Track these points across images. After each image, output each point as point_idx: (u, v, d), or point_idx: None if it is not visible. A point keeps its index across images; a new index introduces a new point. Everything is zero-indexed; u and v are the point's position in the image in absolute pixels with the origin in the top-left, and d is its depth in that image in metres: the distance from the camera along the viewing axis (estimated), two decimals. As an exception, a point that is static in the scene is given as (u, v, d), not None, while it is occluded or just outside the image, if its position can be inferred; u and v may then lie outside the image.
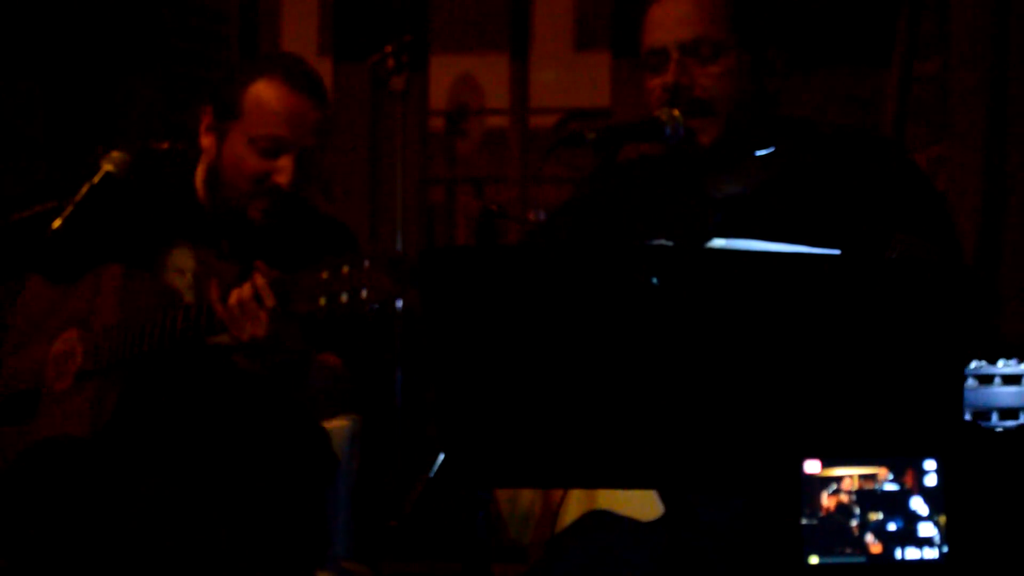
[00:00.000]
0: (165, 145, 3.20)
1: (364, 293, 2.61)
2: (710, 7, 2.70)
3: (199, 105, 3.18)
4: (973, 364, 2.16)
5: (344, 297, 2.62)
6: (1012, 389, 2.18)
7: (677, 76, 2.69)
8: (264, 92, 3.07)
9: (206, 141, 3.14)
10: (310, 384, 2.98)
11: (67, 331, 3.10)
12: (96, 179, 3.12)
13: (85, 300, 3.11)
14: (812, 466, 2.02)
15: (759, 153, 2.73)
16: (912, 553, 2.00)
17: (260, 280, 2.79)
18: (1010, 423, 2.20)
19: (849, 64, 5.06)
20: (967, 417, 2.11)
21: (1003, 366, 2.21)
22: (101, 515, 2.94)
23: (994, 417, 2.20)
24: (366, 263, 2.60)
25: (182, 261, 3.12)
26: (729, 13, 2.70)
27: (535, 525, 2.79)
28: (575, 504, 2.68)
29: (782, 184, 2.74)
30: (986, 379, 2.20)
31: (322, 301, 2.64)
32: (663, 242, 2.55)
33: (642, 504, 2.56)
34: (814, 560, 2.00)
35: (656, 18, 2.74)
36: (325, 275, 2.64)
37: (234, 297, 2.82)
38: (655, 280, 2.02)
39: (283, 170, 3.05)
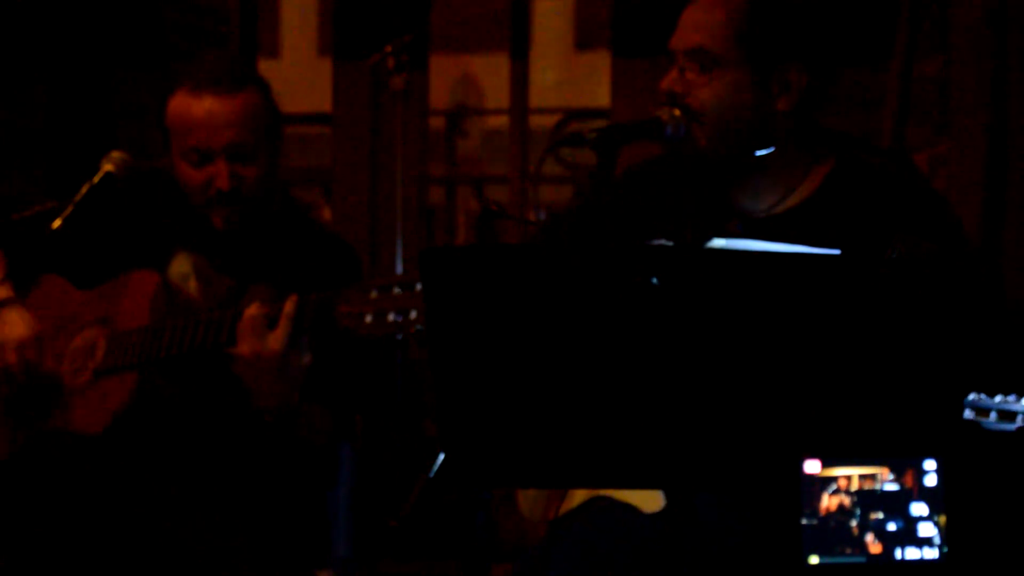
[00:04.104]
0: (160, 164, 3.21)
1: (413, 315, 2.61)
2: (715, 20, 2.68)
3: None
4: (972, 396, 2.16)
5: (391, 317, 2.62)
6: (1007, 426, 2.19)
7: (672, 82, 2.69)
8: (176, 108, 3.09)
9: (171, 166, 3.17)
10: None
11: (90, 328, 3.11)
12: (96, 179, 3.13)
13: (111, 301, 3.11)
14: (812, 466, 2.02)
15: (759, 153, 2.72)
16: (912, 553, 2.00)
17: (288, 307, 2.81)
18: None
19: (849, 64, 5.06)
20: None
21: (1000, 401, 2.21)
22: (104, 513, 2.95)
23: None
24: (418, 286, 2.60)
25: (182, 268, 3.13)
26: (738, 29, 2.69)
27: (544, 506, 2.79)
28: (582, 490, 2.69)
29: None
30: (982, 412, 2.20)
31: (368, 319, 2.64)
32: (663, 242, 2.55)
33: (646, 495, 2.56)
34: (814, 560, 2.00)
35: (680, 21, 2.74)
36: (374, 294, 2.65)
37: (252, 312, 2.84)
38: (655, 280, 2.02)
39: (218, 174, 3.06)
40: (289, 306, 2.81)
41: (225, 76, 3.09)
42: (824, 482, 2.01)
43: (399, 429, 4.67)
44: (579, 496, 2.67)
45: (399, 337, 2.65)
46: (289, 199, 3.25)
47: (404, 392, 4.68)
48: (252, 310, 2.84)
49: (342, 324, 2.70)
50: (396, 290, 2.62)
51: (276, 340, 2.82)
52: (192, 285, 3.11)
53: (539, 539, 2.71)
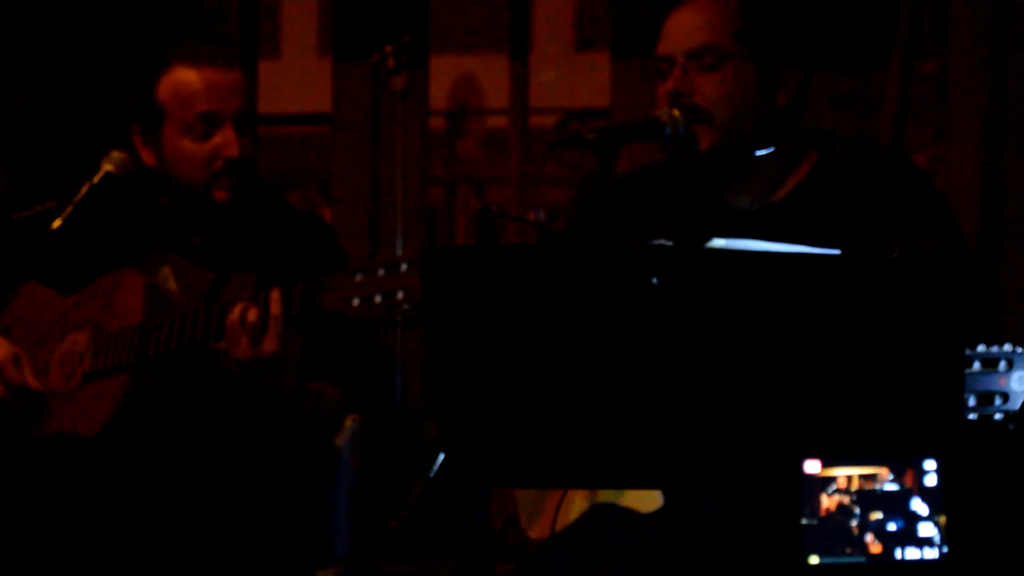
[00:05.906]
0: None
1: (400, 295, 2.61)
2: (718, 18, 2.72)
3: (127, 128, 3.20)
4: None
5: (378, 299, 2.62)
6: (990, 373, 2.19)
7: (678, 82, 2.71)
8: (177, 81, 3.10)
9: (147, 157, 3.15)
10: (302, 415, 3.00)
11: (77, 332, 3.11)
12: (96, 179, 3.12)
13: (99, 303, 3.11)
14: (812, 466, 2.02)
15: (758, 153, 2.73)
16: (912, 553, 2.00)
17: (274, 295, 2.80)
18: (986, 409, 2.20)
19: (849, 64, 5.07)
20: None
21: (982, 350, 2.21)
22: (102, 514, 2.95)
23: (971, 401, 2.21)
24: (403, 266, 2.61)
25: (161, 270, 3.13)
26: (738, 26, 2.72)
27: (541, 518, 2.80)
28: (580, 498, 2.69)
29: (790, 194, 2.75)
30: (966, 362, 2.21)
31: (355, 302, 2.64)
32: (663, 242, 2.56)
33: (644, 496, 2.56)
34: (814, 560, 2.00)
35: (668, 27, 2.77)
36: (359, 278, 2.65)
37: (237, 315, 2.83)
38: (655, 280, 2.02)
39: (228, 142, 3.07)
40: (276, 307, 2.80)
41: (219, 53, 3.15)
42: (824, 482, 2.01)
43: (398, 429, 4.67)
44: (578, 506, 2.67)
45: (397, 320, 2.66)
46: (267, 184, 3.26)
47: (402, 389, 4.68)
48: (236, 315, 2.83)
49: (330, 309, 2.70)
50: (381, 272, 2.62)
51: (269, 342, 2.81)
52: (172, 286, 3.11)
53: (540, 542, 2.72)
